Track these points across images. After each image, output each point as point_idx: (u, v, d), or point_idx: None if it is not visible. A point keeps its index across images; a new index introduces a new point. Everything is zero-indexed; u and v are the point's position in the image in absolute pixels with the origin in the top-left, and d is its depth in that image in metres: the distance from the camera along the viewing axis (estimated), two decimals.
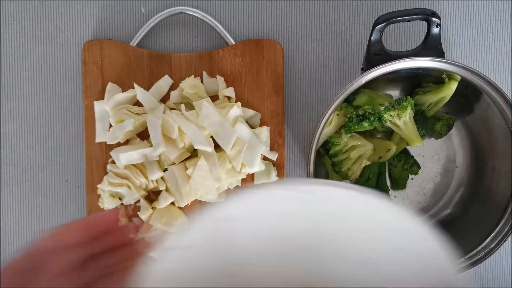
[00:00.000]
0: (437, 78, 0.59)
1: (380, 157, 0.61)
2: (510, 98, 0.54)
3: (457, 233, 0.62)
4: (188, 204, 0.62)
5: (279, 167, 0.63)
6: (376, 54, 0.55)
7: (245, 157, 0.59)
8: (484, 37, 0.66)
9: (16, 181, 0.66)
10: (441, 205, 0.66)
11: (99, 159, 0.62)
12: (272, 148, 0.63)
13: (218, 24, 0.62)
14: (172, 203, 0.62)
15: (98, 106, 0.62)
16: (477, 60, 0.67)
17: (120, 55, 0.62)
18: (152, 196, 0.63)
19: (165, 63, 0.62)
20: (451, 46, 0.66)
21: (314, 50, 0.66)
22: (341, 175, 0.61)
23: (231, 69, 0.62)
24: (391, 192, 0.65)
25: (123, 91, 0.62)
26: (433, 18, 0.54)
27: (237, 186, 0.63)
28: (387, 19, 0.54)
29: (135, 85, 0.61)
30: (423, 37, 0.56)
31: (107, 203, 0.60)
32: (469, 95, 0.58)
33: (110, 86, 0.62)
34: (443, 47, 0.56)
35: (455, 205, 0.65)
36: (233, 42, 0.62)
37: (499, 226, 0.57)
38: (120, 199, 0.62)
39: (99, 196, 0.62)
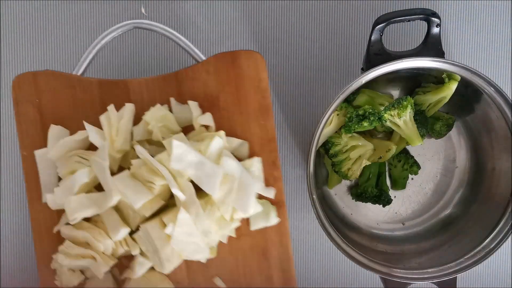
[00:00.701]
0: (437, 78, 0.59)
1: (380, 157, 0.61)
2: (510, 98, 0.54)
3: (457, 233, 0.62)
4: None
5: (278, 205, 0.51)
6: (376, 54, 0.55)
7: (236, 199, 0.47)
8: (484, 37, 0.66)
9: (16, 181, 0.66)
10: (441, 205, 0.66)
11: (49, 223, 0.49)
12: (267, 183, 0.51)
13: (182, 38, 0.50)
14: (152, 267, 0.49)
15: (40, 156, 0.49)
16: (477, 60, 0.67)
17: (62, 88, 0.49)
18: (124, 261, 0.50)
19: (121, 91, 0.49)
20: (451, 46, 0.66)
21: (314, 50, 0.66)
22: (341, 175, 0.61)
23: (205, 91, 0.50)
24: (391, 192, 0.65)
25: (71, 133, 0.50)
26: (433, 18, 0.54)
27: (230, 238, 0.51)
28: (387, 19, 0.54)
29: (85, 124, 0.48)
30: (423, 37, 0.56)
31: (66, 280, 0.48)
32: (469, 95, 0.58)
33: (53, 129, 0.49)
34: (443, 47, 0.56)
35: (455, 205, 0.65)
36: (204, 58, 0.50)
37: (499, 226, 0.57)
38: (83, 272, 0.49)
39: (54, 271, 0.49)
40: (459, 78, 0.56)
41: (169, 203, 0.48)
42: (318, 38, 0.66)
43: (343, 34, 0.66)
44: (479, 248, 0.56)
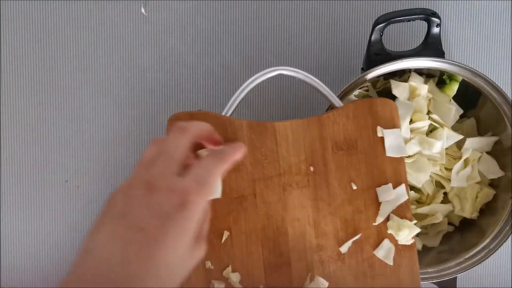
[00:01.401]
0: (437, 79, 0.59)
1: None
2: (510, 98, 0.54)
3: (457, 233, 0.62)
4: None
5: (411, 246, 0.54)
6: (376, 54, 0.55)
7: None
8: (484, 37, 0.66)
9: (16, 181, 0.66)
10: None
11: None
12: None
13: (322, 84, 0.52)
14: None
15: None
16: (477, 60, 0.67)
17: (215, 128, 0.50)
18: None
19: (269, 133, 0.52)
20: (451, 46, 0.66)
21: (314, 51, 0.66)
22: None
23: (345, 134, 0.52)
24: None
25: None
26: (433, 18, 0.54)
27: (365, 277, 0.53)
28: (387, 19, 0.54)
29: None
30: (423, 37, 0.56)
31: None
32: (469, 95, 0.58)
33: None
34: (443, 47, 0.56)
35: None
36: (341, 104, 0.52)
37: (499, 226, 0.57)
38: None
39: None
40: (460, 79, 0.56)
41: None
42: (318, 38, 0.66)
43: (343, 34, 0.66)
44: (479, 248, 0.56)
